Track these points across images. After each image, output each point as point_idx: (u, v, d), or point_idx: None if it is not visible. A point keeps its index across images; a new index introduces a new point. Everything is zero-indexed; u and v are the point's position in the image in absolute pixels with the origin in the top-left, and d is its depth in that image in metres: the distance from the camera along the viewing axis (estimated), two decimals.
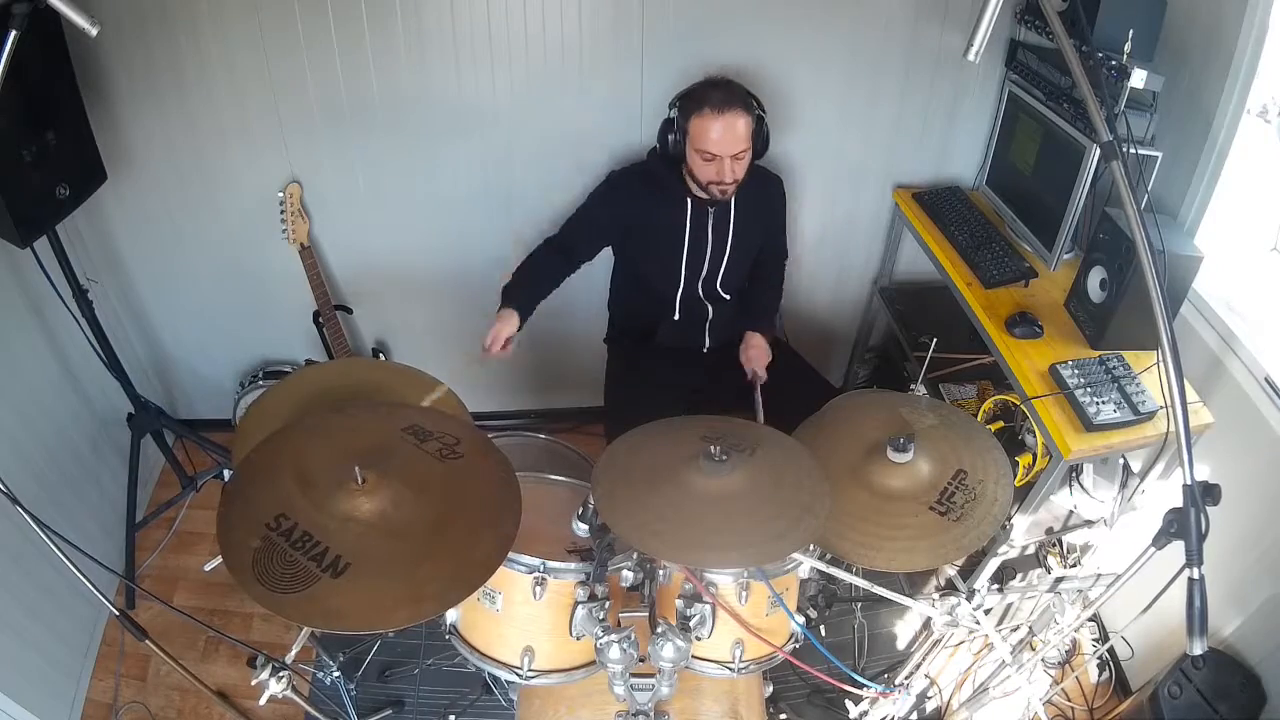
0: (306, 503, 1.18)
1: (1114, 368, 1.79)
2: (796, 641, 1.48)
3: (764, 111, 1.88)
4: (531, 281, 1.95)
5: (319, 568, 1.10)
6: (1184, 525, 0.97)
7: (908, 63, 2.19)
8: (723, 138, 1.80)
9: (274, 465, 1.25)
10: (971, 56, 1.24)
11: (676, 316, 2.10)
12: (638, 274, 2.14)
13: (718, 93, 1.80)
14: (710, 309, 2.12)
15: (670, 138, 1.86)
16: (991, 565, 2.03)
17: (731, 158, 1.82)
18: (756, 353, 2.05)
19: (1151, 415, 1.71)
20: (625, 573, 1.38)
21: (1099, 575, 2.01)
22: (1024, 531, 1.99)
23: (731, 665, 1.43)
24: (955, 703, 2.06)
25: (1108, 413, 1.70)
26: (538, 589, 1.34)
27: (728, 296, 2.11)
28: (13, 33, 1.31)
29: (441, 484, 1.26)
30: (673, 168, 1.93)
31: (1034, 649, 1.68)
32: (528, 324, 1.89)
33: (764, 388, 1.99)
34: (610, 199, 2.02)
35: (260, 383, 2.47)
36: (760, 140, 1.88)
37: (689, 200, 1.95)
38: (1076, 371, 1.79)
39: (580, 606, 1.32)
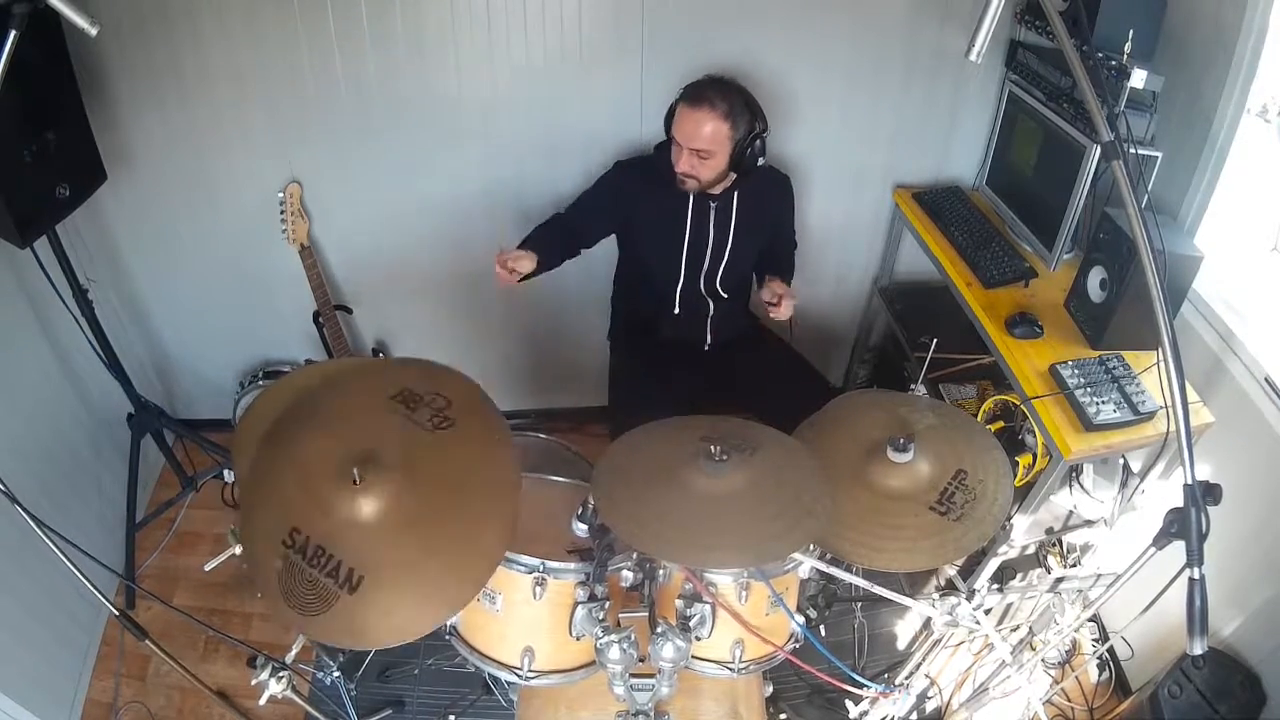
0: (312, 509, 1.17)
1: (1114, 368, 1.79)
2: (796, 641, 1.48)
3: (762, 127, 1.86)
4: (542, 247, 1.91)
5: (336, 584, 1.11)
6: (1184, 525, 0.97)
7: (908, 63, 2.19)
8: (685, 129, 1.82)
9: (276, 469, 1.24)
10: (973, 57, 1.24)
11: (677, 311, 2.11)
12: (640, 267, 2.15)
13: (709, 89, 1.82)
14: (711, 305, 2.12)
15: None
16: (991, 565, 2.03)
17: (691, 150, 1.83)
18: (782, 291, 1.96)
19: (1151, 415, 1.71)
20: (625, 573, 1.38)
21: (1099, 575, 2.01)
22: (1024, 531, 1.99)
23: (731, 665, 1.43)
24: (955, 703, 2.06)
25: (1108, 413, 1.70)
26: (538, 589, 1.34)
27: (726, 295, 2.11)
28: (13, 33, 1.31)
29: (436, 462, 1.24)
30: None
31: (1034, 649, 1.68)
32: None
33: (764, 387, 1.99)
34: (613, 187, 2.02)
35: (260, 383, 2.47)
36: (742, 154, 1.85)
37: (690, 193, 1.96)
38: (1076, 371, 1.79)
39: (580, 606, 1.32)
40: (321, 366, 1.63)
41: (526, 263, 1.84)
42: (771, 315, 1.99)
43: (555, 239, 1.99)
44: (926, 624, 1.88)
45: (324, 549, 1.13)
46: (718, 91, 1.81)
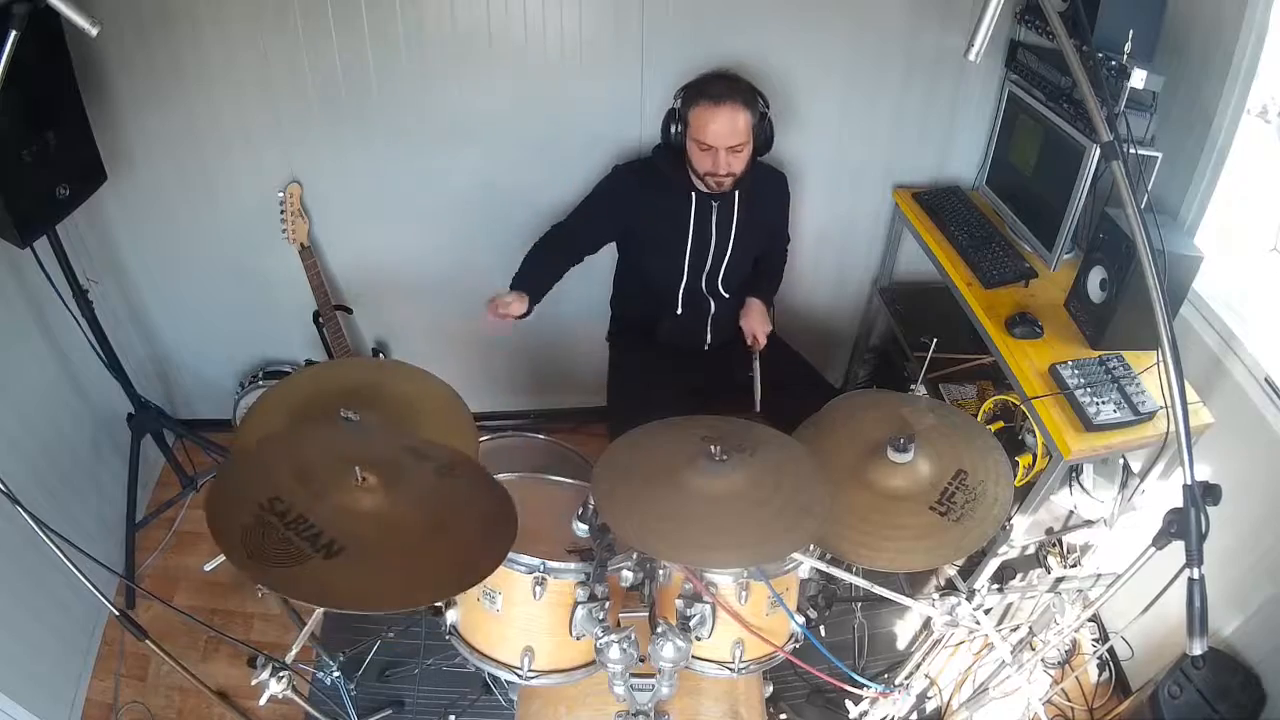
0: (304, 492, 1.17)
1: (1114, 368, 1.79)
2: (796, 641, 1.48)
3: (768, 107, 1.88)
4: (537, 272, 1.96)
5: (312, 548, 1.10)
6: (1184, 525, 0.97)
7: (908, 63, 2.19)
8: (719, 130, 1.81)
9: (272, 459, 1.24)
10: (972, 57, 1.24)
11: (679, 312, 2.11)
12: (641, 269, 2.15)
13: (719, 85, 1.82)
14: (712, 304, 2.12)
15: (673, 127, 1.88)
16: (991, 565, 2.02)
17: (727, 150, 1.83)
18: (757, 316, 2.07)
19: (1151, 415, 1.71)
20: (625, 573, 1.38)
21: (1099, 575, 2.01)
22: (1024, 531, 1.99)
23: (731, 665, 1.43)
24: (955, 703, 2.06)
25: (1108, 413, 1.70)
26: (538, 589, 1.34)
27: (727, 295, 2.11)
28: (13, 33, 1.31)
29: (439, 496, 1.26)
30: (677, 161, 1.93)
31: (1034, 649, 1.68)
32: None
33: (764, 386, 1.99)
34: (612, 193, 2.02)
35: (260, 383, 2.47)
36: (762, 136, 1.88)
37: (693, 194, 1.96)
38: (1076, 371, 1.79)
39: (580, 606, 1.32)
40: (330, 378, 1.62)
41: (518, 305, 1.84)
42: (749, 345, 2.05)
43: (552, 260, 2.00)
44: (926, 624, 1.88)
45: (306, 518, 1.13)
46: (728, 83, 1.83)
